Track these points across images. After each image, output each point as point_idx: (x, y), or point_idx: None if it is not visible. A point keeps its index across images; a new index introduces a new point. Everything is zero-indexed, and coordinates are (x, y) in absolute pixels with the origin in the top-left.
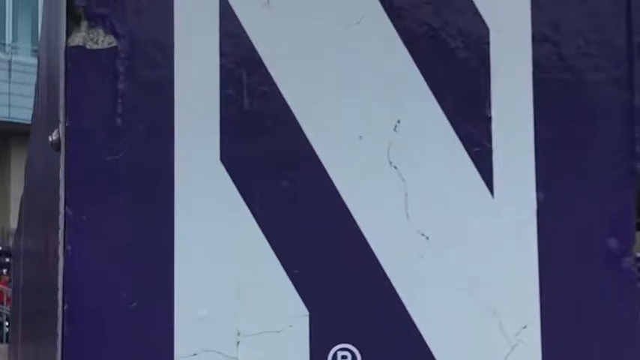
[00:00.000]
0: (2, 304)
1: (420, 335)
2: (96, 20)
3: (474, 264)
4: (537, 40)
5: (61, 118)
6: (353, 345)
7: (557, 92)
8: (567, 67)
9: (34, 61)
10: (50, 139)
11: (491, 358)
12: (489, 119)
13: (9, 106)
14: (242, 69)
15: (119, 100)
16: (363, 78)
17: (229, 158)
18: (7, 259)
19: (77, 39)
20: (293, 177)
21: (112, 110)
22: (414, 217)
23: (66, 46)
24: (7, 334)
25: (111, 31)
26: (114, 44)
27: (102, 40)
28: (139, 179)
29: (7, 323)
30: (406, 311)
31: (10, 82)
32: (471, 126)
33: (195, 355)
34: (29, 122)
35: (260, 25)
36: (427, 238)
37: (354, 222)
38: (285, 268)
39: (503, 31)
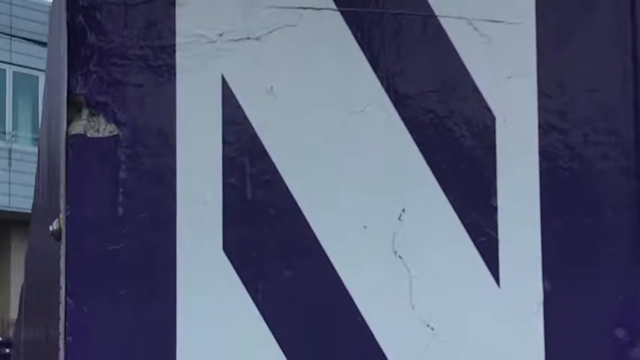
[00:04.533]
0: None
1: None
2: (97, 108)
3: (480, 355)
4: (544, 128)
5: (62, 207)
6: None
7: (564, 181)
8: (574, 155)
9: (35, 149)
10: (51, 229)
11: None
12: (495, 208)
13: (9, 195)
14: (245, 157)
15: (120, 189)
16: (367, 166)
17: (232, 248)
18: (7, 350)
19: (78, 127)
20: (296, 267)
21: (114, 199)
22: (419, 308)
23: (67, 135)
24: None
25: (112, 119)
26: (115, 132)
27: (103, 129)
28: (141, 269)
29: None
30: None
31: (10, 171)
32: (477, 215)
33: None
34: (29, 211)
35: (263, 113)
36: (432, 328)
37: (359, 312)
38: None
39: (509, 119)
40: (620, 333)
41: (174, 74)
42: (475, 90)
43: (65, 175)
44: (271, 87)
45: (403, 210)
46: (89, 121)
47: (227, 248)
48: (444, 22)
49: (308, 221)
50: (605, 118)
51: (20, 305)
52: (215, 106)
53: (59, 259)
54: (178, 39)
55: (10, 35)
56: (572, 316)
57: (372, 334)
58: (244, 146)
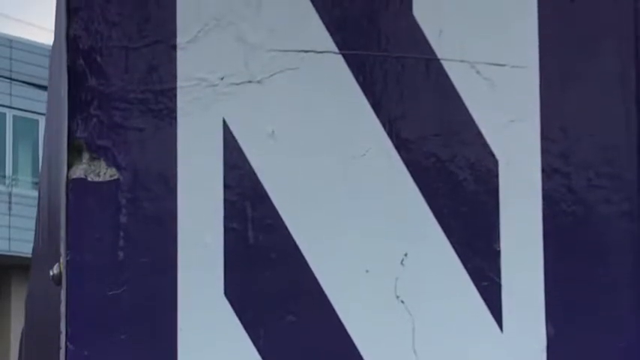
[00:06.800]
0: None
1: None
2: (97, 152)
3: None
4: (547, 172)
5: (62, 251)
6: None
7: (567, 225)
8: (577, 199)
9: (35, 193)
10: (51, 273)
11: None
12: (498, 253)
13: (9, 239)
14: (246, 201)
15: (121, 234)
16: (369, 211)
17: (234, 293)
18: None
19: (78, 171)
20: (298, 311)
21: (114, 244)
22: (421, 353)
23: (67, 179)
24: None
25: (113, 163)
26: (116, 176)
27: (104, 173)
28: (142, 314)
29: None
30: None
31: (10, 215)
32: (480, 260)
33: None
34: (30, 256)
35: (264, 157)
36: None
37: (361, 357)
38: None
39: (512, 163)
40: None
41: (175, 118)
42: (478, 134)
43: (65, 219)
44: (272, 130)
45: (405, 254)
46: (90, 165)
47: (228, 293)
48: (446, 65)
49: (310, 266)
50: (608, 161)
51: (20, 350)
52: (216, 149)
53: (59, 303)
54: (179, 82)
55: (10, 79)
56: None
57: None
58: (245, 190)
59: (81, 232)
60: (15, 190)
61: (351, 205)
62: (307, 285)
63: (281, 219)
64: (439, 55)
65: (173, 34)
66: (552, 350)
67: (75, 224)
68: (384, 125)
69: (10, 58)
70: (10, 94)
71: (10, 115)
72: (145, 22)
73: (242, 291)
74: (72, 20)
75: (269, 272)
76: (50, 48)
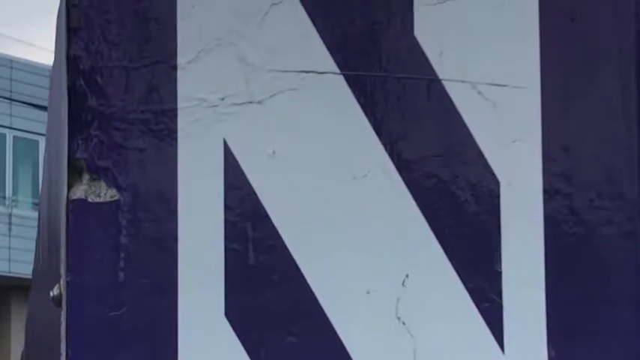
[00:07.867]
0: None
1: None
2: (98, 173)
3: None
4: (549, 192)
5: (62, 272)
6: None
7: (569, 246)
8: (579, 220)
9: (35, 214)
10: (51, 295)
11: None
12: (499, 274)
13: (9, 260)
14: (247, 222)
15: (122, 255)
16: (370, 231)
17: (234, 314)
18: None
19: (78, 192)
20: (299, 333)
21: (115, 265)
22: None
23: (67, 200)
24: None
25: (113, 184)
26: (116, 197)
27: (104, 193)
28: (142, 335)
29: None
30: None
31: (10, 236)
32: (481, 280)
33: None
34: (30, 277)
35: (265, 178)
36: None
37: None
38: None
39: (513, 184)
40: None
41: (176, 138)
42: (479, 154)
43: (66, 240)
44: (273, 151)
45: (407, 275)
46: (90, 186)
47: (229, 314)
48: (448, 85)
49: (311, 287)
50: (609, 182)
51: None
52: (217, 170)
53: (60, 325)
54: (180, 103)
55: (10, 99)
56: None
57: None
58: (246, 211)
59: (81, 253)
60: (15, 211)
61: (352, 226)
62: (308, 306)
63: (282, 240)
64: (440, 76)
65: (174, 54)
66: None
67: (75, 245)
68: (385, 146)
69: (11, 79)
70: (11, 115)
71: (10, 135)
72: (146, 42)
73: (243, 312)
74: (72, 40)
75: (270, 293)
76: (50, 68)
